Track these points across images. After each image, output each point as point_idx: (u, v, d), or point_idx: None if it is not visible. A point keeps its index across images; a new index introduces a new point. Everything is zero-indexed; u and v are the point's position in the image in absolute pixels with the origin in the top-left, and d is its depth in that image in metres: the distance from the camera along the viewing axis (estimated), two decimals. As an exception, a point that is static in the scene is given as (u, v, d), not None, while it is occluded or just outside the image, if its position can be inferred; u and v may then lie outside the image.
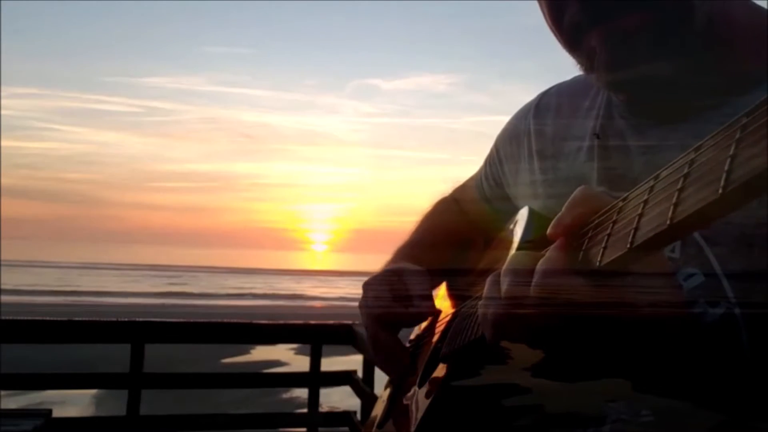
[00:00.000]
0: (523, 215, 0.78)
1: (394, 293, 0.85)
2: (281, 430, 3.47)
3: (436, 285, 0.95)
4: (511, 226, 0.81)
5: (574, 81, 0.81)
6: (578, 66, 0.66)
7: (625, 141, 0.67)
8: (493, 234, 0.97)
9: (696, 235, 0.57)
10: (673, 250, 0.59)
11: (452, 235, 1.06)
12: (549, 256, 0.46)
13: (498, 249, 0.82)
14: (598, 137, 0.71)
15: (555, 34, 0.66)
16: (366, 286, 0.89)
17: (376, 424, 0.95)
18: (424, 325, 0.93)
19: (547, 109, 0.84)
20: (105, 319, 2.18)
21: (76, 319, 2.15)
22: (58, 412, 2.04)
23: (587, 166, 0.72)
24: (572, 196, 0.48)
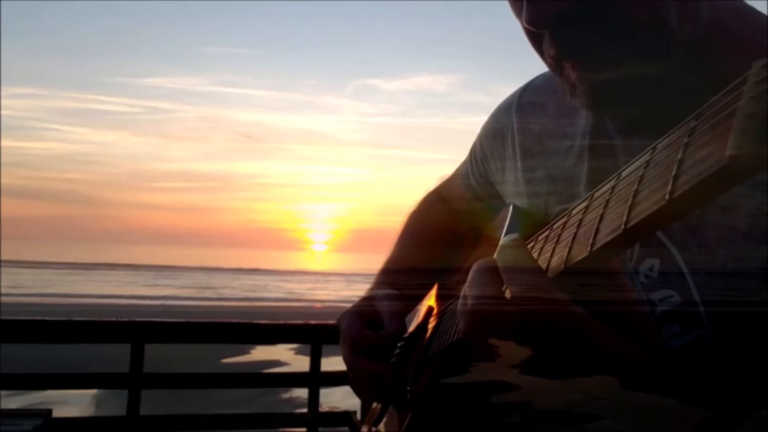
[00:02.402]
0: (507, 213, 0.78)
1: (364, 320, 0.88)
2: (281, 430, 3.47)
3: (423, 292, 0.96)
4: (498, 223, 0.81)
5: None
6: (566, 93, 0.65)
7: (615, 142, 0.67)
8: (483, 230, 0.97)
9: (677, 256, 0.57)
10: (651, 269, 0.59)
11: (440, 235, 1.05)
12: (510, 257, 0.47)
13: (487, 246, 0.82)
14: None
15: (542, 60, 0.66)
16: (339, 321, 0.92)
17: (373, 421, 0.95)
18: (417, 322, 0.93)
19: (533, 106, 0.82)
20: (105, 319, 2.17)
21: (76, 319, 2.14)
22: (58, 412, 2.04)
23: (577, 168, 0.71)
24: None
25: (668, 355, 0.46)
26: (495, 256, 0.48)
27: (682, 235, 0.57)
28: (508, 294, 0.46)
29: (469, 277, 0.50)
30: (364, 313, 0.90)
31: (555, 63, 0.62)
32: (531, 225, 0.50)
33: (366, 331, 0.87)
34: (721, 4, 0.61)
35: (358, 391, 0.93)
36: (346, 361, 0.89)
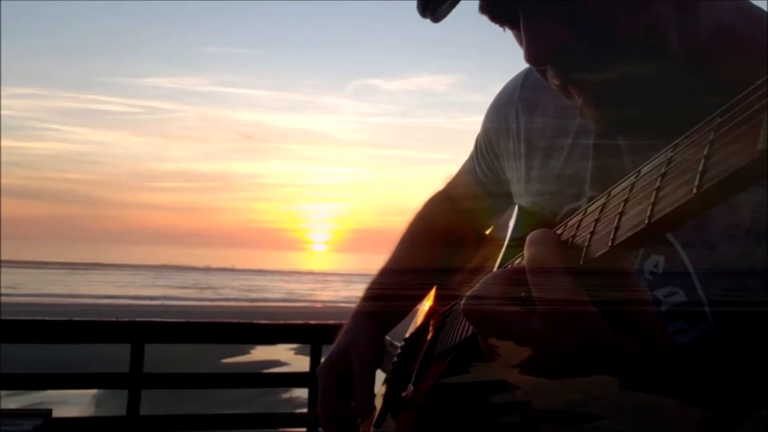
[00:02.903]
0: (512, 213, 0.78)
1: (339, 381, 0.98)
2: (281, 430, 3.47)
3: (424, 292, 0.99)
4: (501, 224, 0.81)
5: None
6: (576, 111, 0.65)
7: (619, 141, 0.67)
8: (487, 228, 0.97)
9: (682, 253, 0.58)
10: (656, 266, 0.59)
11: (443, 236, 1.05)
12: (537, 253, 0.46)
13: (490, 247, 0.82)
14: None
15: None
16: (320, 372, 1.00)
17: (373, 422, 0.95)
18: (418, 323, 0.93)
19: (535, 102, 0.82)
20: (105, 319, 2.17)
21: (76, 319, 2.14)
22: (58, 412, 2.04)
23: (582, 166, 0.71)
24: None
25: (680, 356, 0.45)
26: (524, 250, 0.47)
27: (687, 232, 0.57)
28: (525, 295, 0.46)
29: (485, 278, 0.49)
30: (339, 372, 0.98)
31: (560, 89, 0.63)
32: (536, 225, 0.49)
33: (337, 405, 0.96)
34: (724, 4, 0.61)
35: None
36: (320, 417, 0.98)
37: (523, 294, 0.46)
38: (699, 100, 0.56)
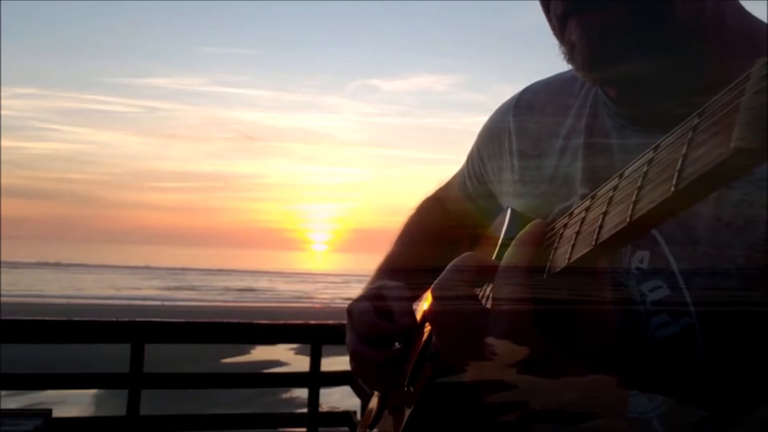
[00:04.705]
0: (506, 215, 0.78)
1: (376, 310, 0.85)
2: (281, 430, 3.48)
3: (419, 293, 0.96)
4: (496, 226, 0.81)
5: (557, 78, 0.81)
6: (563, 57, 0.66)
7: (610, 141, 0.68)
8: (478, 232, 0.97)
9: (665, 248, 0.59)
10: (641, 261, 0.60)
11: (437, 236, 1.06)
12: (517, 255, 0.47)
13: (484, 248, 0.82)
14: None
15: (548, 22, 0.67)
16: (350, 309, 0.89)
17: (368, 423, 0.95)
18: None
19: (529, 108, 0.83)
20: (105, 319, 2.18)
21: (76, 319, 2.15)
22: (58, 412, 2.04)
23: (572, 167, 0.72)
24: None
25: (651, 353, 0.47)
26: (508, 252, 0.48)
27: (670, 227, 0.58)
28: (483, 293, 0.46)
29: (443, 275, 0.51)
30: (376, 302, 0.87)
31: (560, 22, 0.64)
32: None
33: (379, 322, 0.84)
34: (726, 4, 0.63)
35: (359, 377, 0.91)
36: (350, 347, 0.87)
37: (478, 292, 0.47)
38: (687, 83, 0.58)
